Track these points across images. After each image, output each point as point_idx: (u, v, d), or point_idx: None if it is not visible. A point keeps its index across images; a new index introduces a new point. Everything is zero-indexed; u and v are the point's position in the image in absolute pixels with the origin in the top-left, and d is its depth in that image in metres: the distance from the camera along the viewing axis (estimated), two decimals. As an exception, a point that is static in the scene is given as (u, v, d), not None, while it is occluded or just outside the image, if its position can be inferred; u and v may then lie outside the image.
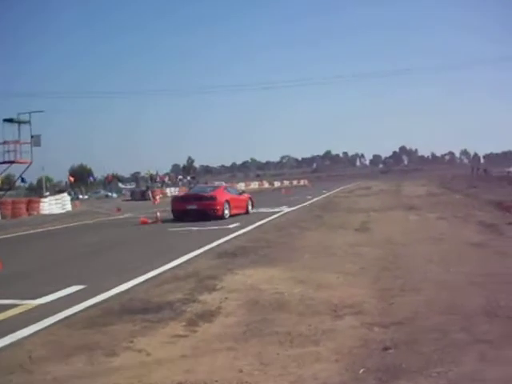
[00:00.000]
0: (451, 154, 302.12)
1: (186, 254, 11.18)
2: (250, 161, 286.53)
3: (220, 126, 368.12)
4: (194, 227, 17.30)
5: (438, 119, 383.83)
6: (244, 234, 14.83)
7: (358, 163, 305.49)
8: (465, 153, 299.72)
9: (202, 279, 8.46)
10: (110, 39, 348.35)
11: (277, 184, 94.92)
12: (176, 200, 22.10)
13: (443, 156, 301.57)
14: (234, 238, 13.91)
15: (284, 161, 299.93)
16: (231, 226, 16.94)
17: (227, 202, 21.12)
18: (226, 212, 20.86)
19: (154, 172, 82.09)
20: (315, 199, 33.28)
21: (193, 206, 20.58)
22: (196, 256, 10.99)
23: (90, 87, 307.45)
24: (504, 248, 10.11)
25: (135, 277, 8.85)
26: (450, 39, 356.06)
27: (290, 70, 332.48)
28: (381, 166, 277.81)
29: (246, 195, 24.13)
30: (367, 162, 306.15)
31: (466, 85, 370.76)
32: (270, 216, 20.52)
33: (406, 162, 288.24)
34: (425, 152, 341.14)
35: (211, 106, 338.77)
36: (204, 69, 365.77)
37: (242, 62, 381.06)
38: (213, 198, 20.75)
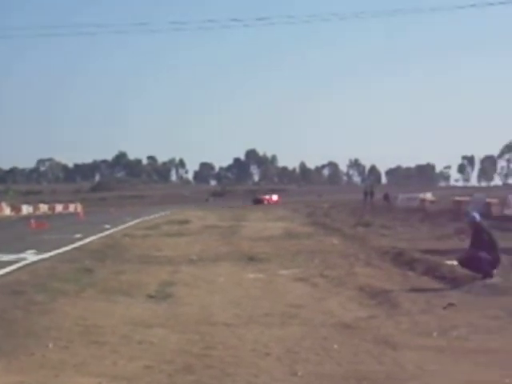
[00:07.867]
0: (332, 165, 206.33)
1: None
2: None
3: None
4: None
5: (312, 111, 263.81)
6: None
7: (173, 177, 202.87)
8: (355, 164, 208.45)
9: None
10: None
11: (27, 210, 63.41)
12: (256, 198, 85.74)
13: (319, 169, 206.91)
14: None
15: (43, 168, 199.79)
16: None
17: (268, 200, 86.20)
18: (270, 202, 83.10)
19: None
20: (89, 239, 21.35)
21: (261, 200, 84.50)
22: None
23: None
24: (390, 331, 7.42)
25: None
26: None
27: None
28: (214, 183, 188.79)
29: (278, 197, 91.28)
30: (190, 176, 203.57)
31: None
32: (-2, 269, 13.02)
33: (256, 178, 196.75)
34: (289, 161, 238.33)
35: None
36: None
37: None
38: (266, 199, 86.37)
